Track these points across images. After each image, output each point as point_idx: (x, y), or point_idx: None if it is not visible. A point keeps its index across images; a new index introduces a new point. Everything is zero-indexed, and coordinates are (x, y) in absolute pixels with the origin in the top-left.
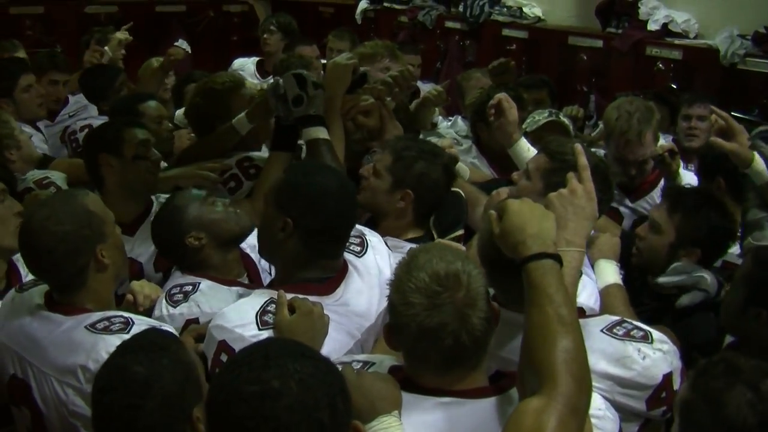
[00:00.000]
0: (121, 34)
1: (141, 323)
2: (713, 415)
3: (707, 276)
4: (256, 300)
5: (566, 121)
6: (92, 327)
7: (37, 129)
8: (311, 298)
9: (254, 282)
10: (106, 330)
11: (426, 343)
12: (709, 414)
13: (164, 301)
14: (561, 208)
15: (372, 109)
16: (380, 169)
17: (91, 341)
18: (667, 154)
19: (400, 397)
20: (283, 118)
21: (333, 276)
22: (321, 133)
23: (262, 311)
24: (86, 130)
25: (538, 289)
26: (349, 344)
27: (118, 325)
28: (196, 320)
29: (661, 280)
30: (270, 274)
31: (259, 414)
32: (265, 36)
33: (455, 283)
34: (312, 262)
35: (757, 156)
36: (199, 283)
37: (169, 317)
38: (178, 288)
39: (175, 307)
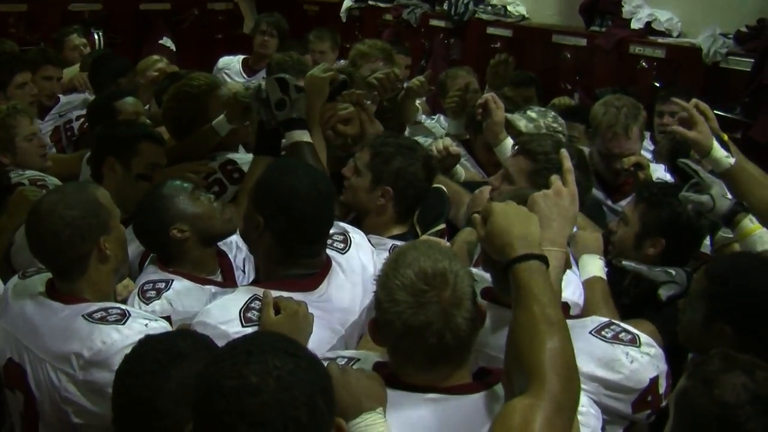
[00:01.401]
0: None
1: (137, 316)
2: (708, 395)
3: (672, 270)
4: (239, 297)
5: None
6: (89, 316)
7: None
8: (295, 295)
9: (227, 279)
10: (103, 320)
11: (410, 341)
12: (704, 394)
13: (137, 297)
14: (546, 209)
15: (351, 117)
16: (360, 167)
17: (87, 330)
18: (633, 168)
19: (385, 393)
20: (266, 122)
21: (316, 272)
22: (304, 136)
23: (246, 308)
24: (82, 119)
25: (525, 289)
26: (332, 340)
27: (114, 315)
28: (168, 318)
29: (625, 262)
30: (243, 271)
31: (236, 409)
32: (265, 39)
33: (442, 282)
34: (289, 260)
35: (716, 144)
36: (172, 280)
37: None
38: (151, 284)
39: (147, 304)
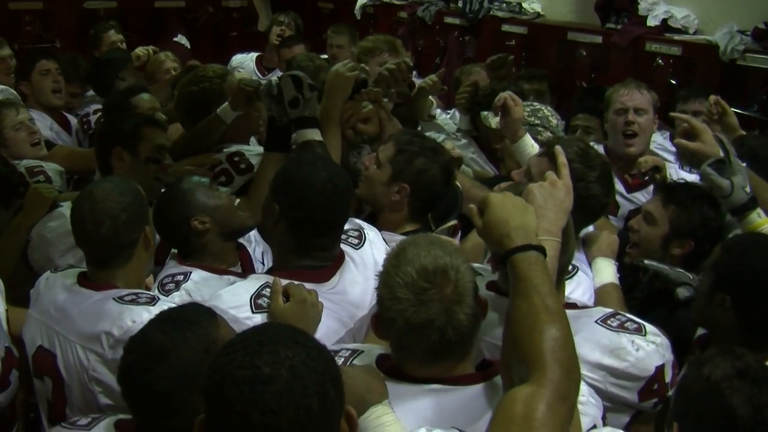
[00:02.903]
0: (142, 51)
1: (166, 301)
2: (698, 373)
3: (690, 274)
4: (251, 283)
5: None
6: (120, 299)
7: (62, 117)
8: (307, 285)
9: (247, 271)
10: (133, 302)
11: (412, 338)
12: (696, 373)
13: (157, 290)
14: (541, 199)
15: (371, 116)
16: (382, 160)
17: (118, 310)
18: (651, 172)
19: (385, 388)
20: (277, 118)
21: (329, 264)
22: (315, 134)
23: (257, 295)
24: (99, 113)
25: (524, 280)
26: (340, 332)
27: (144, 299)
28: None
29: (647, 261)
30: (263, 263)
31: (249, 398)
32: (282, 28)
33: (443, 279)
34: (301, 250)
35: (721, 153)
36: (191, 272)
37: None
38: (170, 278)
39: (167, 296)
